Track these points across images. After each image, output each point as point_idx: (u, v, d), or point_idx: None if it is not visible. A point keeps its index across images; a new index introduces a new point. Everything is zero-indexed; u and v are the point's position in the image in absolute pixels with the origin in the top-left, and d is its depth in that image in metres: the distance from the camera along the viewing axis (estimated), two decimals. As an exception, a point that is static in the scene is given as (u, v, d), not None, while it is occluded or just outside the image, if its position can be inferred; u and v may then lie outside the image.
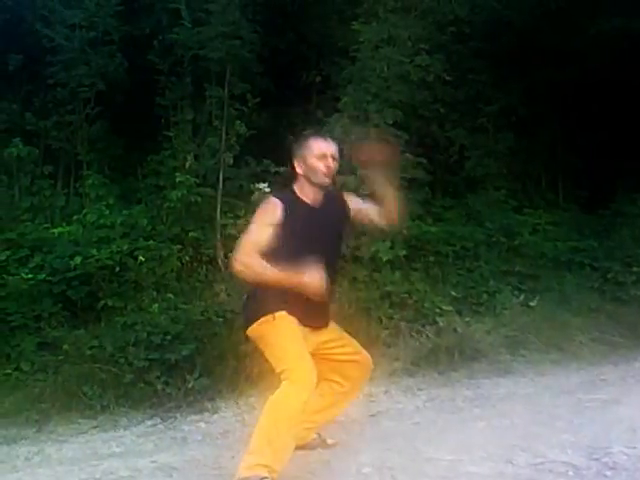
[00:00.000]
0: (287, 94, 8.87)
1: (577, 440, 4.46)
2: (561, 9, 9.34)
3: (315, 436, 4.57)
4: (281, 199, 4.21)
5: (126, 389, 5.79)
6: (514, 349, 6.88)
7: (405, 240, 7.79)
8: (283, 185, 7.70)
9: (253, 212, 7.26)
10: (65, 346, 6.12)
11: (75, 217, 7.42)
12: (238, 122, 7.71)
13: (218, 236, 7.40)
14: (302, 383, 3.95)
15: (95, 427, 5.49)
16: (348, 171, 6.32)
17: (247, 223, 7.10)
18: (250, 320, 4.21)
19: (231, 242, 7.34)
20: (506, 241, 8.59)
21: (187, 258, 7.28)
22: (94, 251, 6.75)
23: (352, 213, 4.44)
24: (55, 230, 7.20)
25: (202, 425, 5.51)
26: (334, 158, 4.25)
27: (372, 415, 5.55)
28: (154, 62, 8.10)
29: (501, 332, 7.06)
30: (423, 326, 7.00)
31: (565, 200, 10.05)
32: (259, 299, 4.17)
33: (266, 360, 4.21)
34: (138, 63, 8.48)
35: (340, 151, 4.32)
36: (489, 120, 9.60)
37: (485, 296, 7.64)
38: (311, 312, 4.17)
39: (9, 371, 6.00)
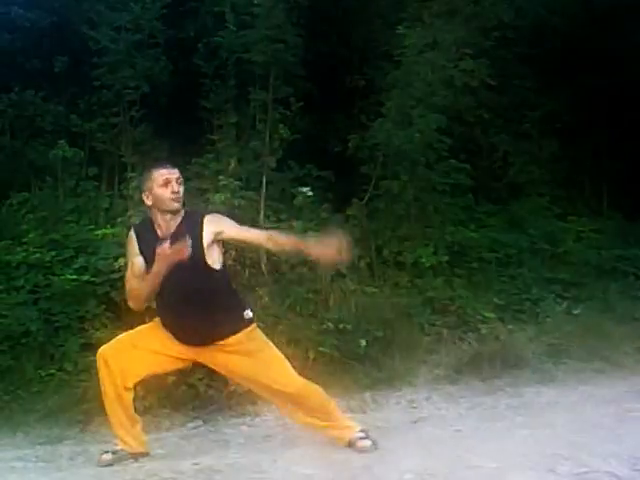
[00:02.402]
0: (330, 98, 8.85)
1: (620, 450, 4.43)
2: (607, 14, 9.28)
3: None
4: (136, 229, 4.59)
5: (168, 391, 5.78)
6: (557, 357, 6.85)
7: (448, 246, 7.80)
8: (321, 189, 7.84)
9: (295, 215, 7.41)
10: None
11: (119, 219, 7.39)
12: (281, 126, 7.71)
13: (261, 240, 7.41)
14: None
15: (138, 428, 5.51)
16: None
17: (290, 227, 7.27)
18: None
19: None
20: (549, 248, 8.55)
21: (230, 261, 7.25)
22: (138, 253, 6.78)
23: (216, 236, 4.43)
24: (99, 232, 7.21)
25: (244, 428, 5.53)
26: (179, 182, 4.40)
27: (414, 422, 5.54)
28: (198, 65, 8.10)
29: (544, 340, 7.02)
30: (465, 333, 7.01)
31: (609, 208, 9.96)
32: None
33: None
34: (182, 66, 8.53)
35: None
36: (533, 126, 9.56)
37: (528, 303, 7.61)
38: (178, 329, 4.48)
39: (53, 371, 6.01)
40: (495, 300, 7.50)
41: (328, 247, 4.37)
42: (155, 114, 8.43)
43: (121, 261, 6.61)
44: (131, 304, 4.55)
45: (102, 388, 4.62)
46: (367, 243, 7.67)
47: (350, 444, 4.58)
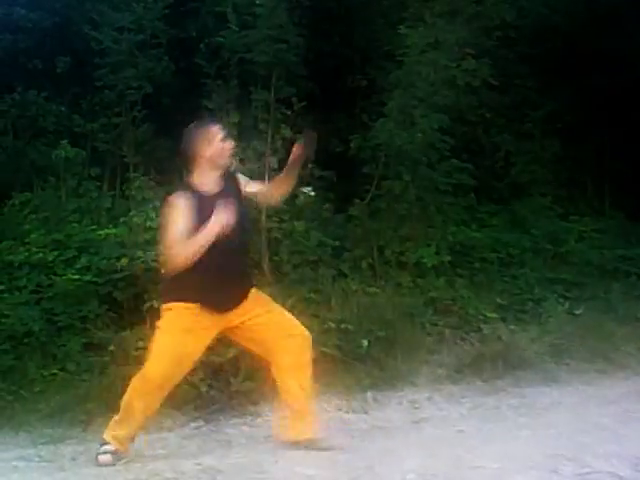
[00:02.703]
0: (332, 98, 8.88)
1: (623, 450, 4.45)
2: (609, 14, 9.31)
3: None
4: (180, 194, 4.52)
5: (170, 391, 5.75)
6: (559, 358, 6.87)
7: (450, 246, 7.82)
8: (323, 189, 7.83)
9: (298, 216, 7.42)
10: (111, 347, 6.14)
11: (121, 219, 7.41)
12: (283, 126, 7.70)
13: (263, 239, 7.40)
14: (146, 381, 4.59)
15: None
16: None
17: (292, 227, 7.27)
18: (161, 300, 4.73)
19: (276, 245, 7.41)
20: (552, 248, 8.57)
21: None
22: (140, 253, 6.71)
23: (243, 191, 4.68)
24: (102, 232, 7.21)
25: (246, 428, 5.53)
26: (230, 141, 4.60)
27: (415, 422, 5.56)
28: (200, 65, 8.06)
29: (546, 340, 7.03)
30: (467, 333, 7.02)
31: (611, 208, 9.98)
32: (169, 285, 4.60)
33: None
34: (184, 66, 8.56)
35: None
36: (535, 126, 9.58)
37: (530, 304, 7.63)
38: (220, 290, 4.44)
39: (55, 371, 6.02)
40: (497, 300, 7.52)
41: (299, 149, 4.71)
42: (157, 114, 8.45)
43: (123, 261, 6.65)
44: (173, 268, 4.44)
45: (130, 397, 4.67)
46: (369, 243, 7.70)
47: (307, 442, 4.66)
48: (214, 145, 4.50)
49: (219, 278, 4.42)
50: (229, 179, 4.63)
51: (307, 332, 4.71)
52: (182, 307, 4.50)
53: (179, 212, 4.43)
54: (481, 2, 8.28)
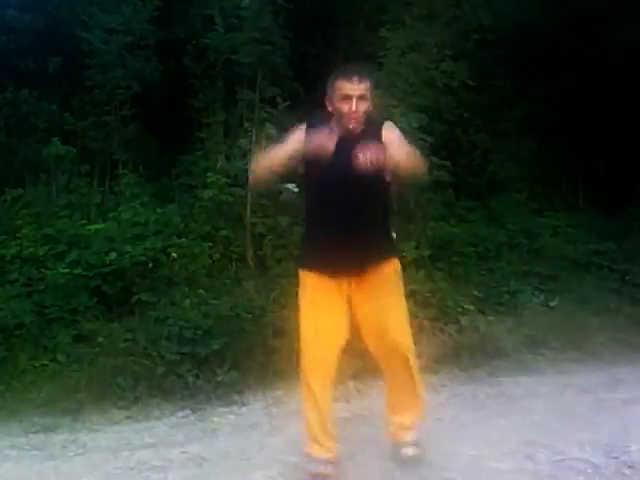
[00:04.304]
0: (316, 98, 8.90)
1: (596, 438, 4.59)
2: (583, 18, 9.42)
3: None
4: (308, 122, 4.05)
5: (158, 381, 5.91)
6: (534, 348, 6.96)
7: (429, 240, 7.90)
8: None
9: (282, 211, 7.50)
10: (100, 339, 6.26)
11: (110, 215, 7.57)
12: (268, 124, 7.82)
13: (247, 234, 7.55)
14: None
15: (128, 417, 5.62)
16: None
17: (275, 222, 7.36)
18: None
19: (260, 240, 7.52)
20: (527, 243, 8.71)
21: (218, 255, 7.40)
22: (129, 248, 6.90)
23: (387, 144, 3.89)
24: (91, 227, 7.33)
25: (231, 417, 5.60)
26: (362, 98, 3.87)
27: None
28: (188, 66, 8.27)
29: (522, 331, 7.15)
30: (446, 324, 7.09)
31: (585, 203, 10.14)
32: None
33: None
34: (172, 67, 8.68)
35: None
36: (512, 125, 9.74)
37: (506, 296, 7.73)
38: (343, 250, 3.91)
39: (46, 362, 6.12)
40: (475, 293, 7.61)
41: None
42: (146, 113, 8.57)
43: (112, 255, 6.77)
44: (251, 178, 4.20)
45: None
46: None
47: (396, 444, 4.33)
48: (333, 103, 3.93)
49: (342, 236, 3.92)
50: (371, 127, 3.95)
51: (412, 347, 4.27)
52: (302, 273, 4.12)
53: (292, 136, 4.04)
54: (459, 6, 8.37)
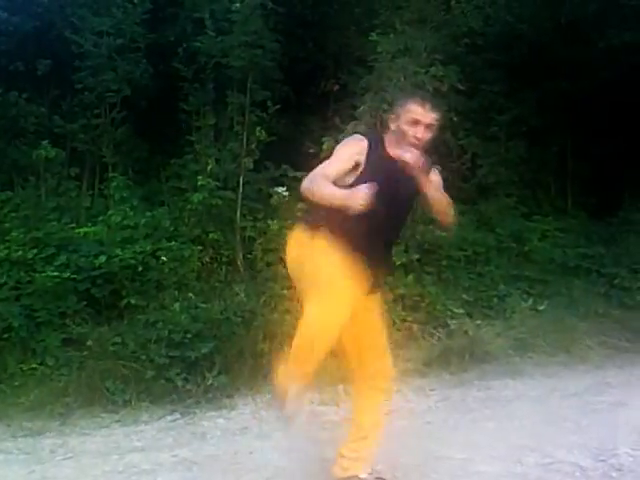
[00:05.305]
0: (306, 101, 8.99)
1: (584, 441, 4.63)
2: (571, 23, 9.50)
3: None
4: (368, 138, 3.92)
5: (147, 385, 5.90)
6: (523, 352, 6.96)
7: (418, 244, 7.91)
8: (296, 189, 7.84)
9: (272, 215, 7.52)
10: (89, 342, 6.23)
11: (100, 218, 7.56)
12: (258, 128, 7.86)
13: (237, 238, 7.57)
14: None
15: (117, 421, 5.60)
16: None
17: (265, 225, 7.36)
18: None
19: (250, 243, 7.53)
20: (516, 247, 8.73)
21: (207, 259, 7.42)
22: (118, 251, 6.89)
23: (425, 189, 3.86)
24: (80, 230, 7.33)
25: (221, 421, 5.60)
26: (429, 128, 3.82)
27: (385, 414, 5.55)
28: (178, 69, 8.24)
29: (510, 335, 7.14)
30: (435, 328, 7.11)
31: (574, 208, 10.16)
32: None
33: None
34: (163, 70, 8.69)
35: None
36: (501, 129, 9.73)
37: (495, 300, 7.75)
38: (374, 263, 3.80)
39: (35, 366, 6.09)
40: (464, 296, 7.61)
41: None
42: (136, 116, 8.59)
43: (101, 258, 6.75)
44: (303, 192, 3.86)
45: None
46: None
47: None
48: (400, 124, 3.83)
49: (377, 249, 3.84)
50: (424, 163, 3.82)
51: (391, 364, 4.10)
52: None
53: (348, 152, 3.88)
54: (449, 10, 8.45)
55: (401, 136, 3.82)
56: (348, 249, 3.67)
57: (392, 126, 3.90)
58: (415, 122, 3.78)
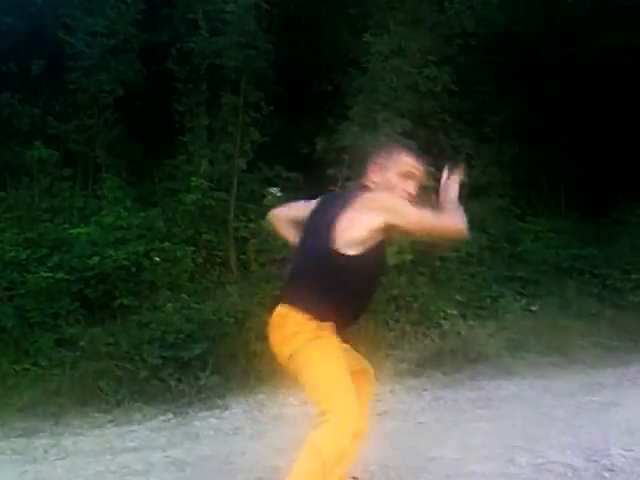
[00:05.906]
0: (299, 102, 8.96)
1: (576, 442, 4.62)
2: (565, 24, 9.51)
3: None
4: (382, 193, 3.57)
5: (140, 385, 5.92)
6: (516, 352, 6.99)
7: (412, 245, 7.81)
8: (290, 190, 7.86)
9: (265, 216, 7.49)
10: (82, 343, 6.25)
11: (93, 218, 7.55)
12: (252, 129, 7.88)
13: (231, 238, 7.56)
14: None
15: (110, 421, 5.61)
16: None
17: (259, 226, 7.35)
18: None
19: (243, 244, 7.53)
20: (509, 247, 8.78)
21: (200, 260, 7.42)
22: (111, 251, 6.89)
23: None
24: (74, 231, 7.32)
25: (213, 421, 5.61)
26: (419, 182, 3.61)
27: (378, 414, 5.55)
28: (172, 69, 8.25)
29: (503, 335, 7.17)
30: (428, 329, 7.12)
31: (567, 208, 10.18)
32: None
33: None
34: (156, 70, 8.66)
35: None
36: (494, 130, 9.75)
37: (488, 300, 7.78)
38: (356, 315, 3.62)
39: (27, 366, 6.11)
40: (457, 297, 7.63)
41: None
42: (129, 116, 8.57)
43: (95, 259, 6.75)
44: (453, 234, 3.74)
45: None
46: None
47: None
48: (389, 175, 3.53)
49: (360, 302, 3.60)
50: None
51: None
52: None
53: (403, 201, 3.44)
54: (443, 11, 8.42)
55: (389, 188, 3.50)
56: (338, 326, 3.45)
57: (376, 179, 3.56)
58: (409, 175, 3.55)
